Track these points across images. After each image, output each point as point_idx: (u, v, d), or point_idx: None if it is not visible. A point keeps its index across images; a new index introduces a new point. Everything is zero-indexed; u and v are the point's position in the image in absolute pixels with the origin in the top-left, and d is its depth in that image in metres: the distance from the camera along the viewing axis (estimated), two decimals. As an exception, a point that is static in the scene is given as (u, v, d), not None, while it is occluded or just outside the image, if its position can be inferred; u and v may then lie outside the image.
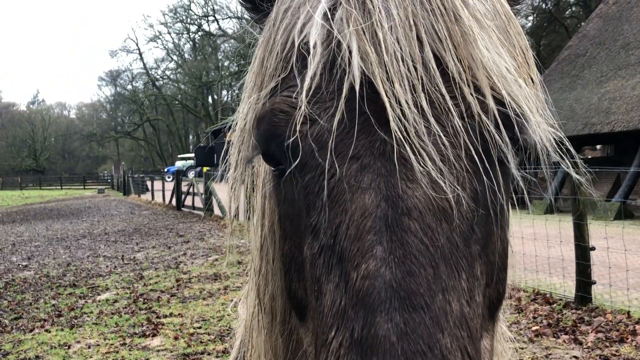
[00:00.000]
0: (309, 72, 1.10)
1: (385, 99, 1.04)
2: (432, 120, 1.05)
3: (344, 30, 1.09)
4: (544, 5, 57.93)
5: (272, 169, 1.27)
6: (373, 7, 1.10)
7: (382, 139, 1.06)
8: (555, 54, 35.88)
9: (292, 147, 1.12)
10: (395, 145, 1.03)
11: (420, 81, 1.06)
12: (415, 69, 1.06)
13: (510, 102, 1.09)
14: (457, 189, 1.04)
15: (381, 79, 1.05)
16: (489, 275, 1.14)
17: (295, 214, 1.19)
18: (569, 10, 58.83)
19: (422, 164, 1.02)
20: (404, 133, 1.03)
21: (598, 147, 40.34)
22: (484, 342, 1.11)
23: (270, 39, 1.26)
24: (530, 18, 58.46)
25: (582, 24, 34.84)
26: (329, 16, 1.12)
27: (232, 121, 1.43)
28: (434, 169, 1.03)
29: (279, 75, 1.19)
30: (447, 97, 1.06)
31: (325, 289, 1.04)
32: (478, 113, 1.07)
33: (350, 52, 1.07)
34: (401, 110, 1.04)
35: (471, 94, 1.07)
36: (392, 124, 1.03)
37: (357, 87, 1.05)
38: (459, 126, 1.06)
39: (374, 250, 0.98)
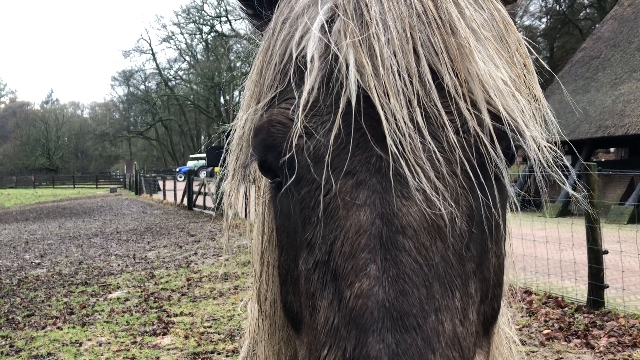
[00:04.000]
0: (306, 86, 1.09)
1: (382, 114, 1.03)
2: (427, 135, 1.04)
3: (341, 42, 1.08)
4: (557, 7, 57.56)
5: (269, 181, 1.26)
6: (370, 19, 1.09)
7: (378, 155, 1.05)
8: (569, 56, 35.63)
9: (289, 160, 1.12)
10: (390, 161, 1.03)
11: (416, 95, 1.05)
12: (412, 83, 1.05)
13: (506, 117, 1.08)
14: (452, 206, 1.03)
15: (377, 93, 1.04)
16: (484, 292, 1.13)
17: (291, 227, 1.18)
18: (583, 12, 58.38)
19: (417, 180, 1.01)
20: (400, 149, 1.02)
21: (612, 149, 40.02)
22: (477, 358, 1.11)
23: (268, 49, 1.25)
24: (544, 20, 58.19)
25: (597, 25, 34.57)
26: (327, 29, 1.11)
27: (230, 128, 1.42)
28: (429, 186, 1.02)
29: (277, 88, 1.18)
30: (443, 112, 1.05)
31: (319, 306, 1.04)
32: (474, 128, 1.06)
33: (347, 66, 1.07)
34: (397, 125, 1.03)
35: (467, 109, 1.06)
36: (388, 140, 1.02)
37: (353, 102, 1.05)
38: (455, 142, 1.05)
39: (367, 269, 0.98)
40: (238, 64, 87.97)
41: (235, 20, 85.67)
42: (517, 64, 1.21)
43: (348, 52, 1.07)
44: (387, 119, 1.03)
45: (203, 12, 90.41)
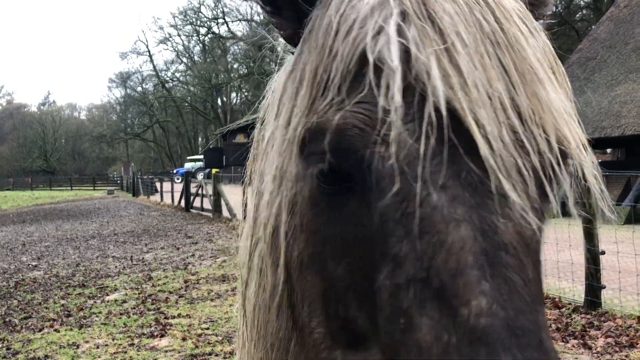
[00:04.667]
0: (396, 93, 1.04)
1: (475, 129, 1.01)
2: (514, 152, 1.04)
3: (422, 49, 1.05)
4: (554, 8, 57.66)
5: (325, 186, 1.17)
6: (444, 27, 1.06)
7: (469, 169, 1.03)
8: (566, 57, 35.70)
9: (373, 168, 1.07)
10: (484, 176, 1.02)
11: (499, 111, 1.04)
12: (492, 98, 1.04)
13: (570, 144, 1.10)
14: (538, 222, 1.04)
15: (467, 107, 1.02)
16: None
17: (361, 238, 1.13)
18: (580, 13, 58.57)
19: (514, 196, 1.01)
20: (493, 164, 1.01)
21: (608, 150, 40.12)
22: None
23: (325, 48, 1.19)
24: (540, 21, 58.27)
25: (593, 27, 34.69)
26: (404, 34, 1.07)
27: (252, 123, 1.38)
28: (522, 202, 1.02)
29: (342, 90, 1.13)
30: (521, 131, 1.04)
31: (419, 323, 1.00)
32: (545, 151, 1.07)
33: (429, 75, 1.04)
34: (488, 139, 1.01)
35: (540, 134, 1.06)
36: (483, 154, 1.01)
37: (444, 112, 1.02)
38: (535, 161, 1.05)
39: (482, 287, 0.96)
40: (235, 66, 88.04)
41: (232, 22, 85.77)
42: (568, 94, 1.22)
43: (430, 60, 1.04)
44: (481, 134, 1.02)
45: (200, 14, 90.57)
